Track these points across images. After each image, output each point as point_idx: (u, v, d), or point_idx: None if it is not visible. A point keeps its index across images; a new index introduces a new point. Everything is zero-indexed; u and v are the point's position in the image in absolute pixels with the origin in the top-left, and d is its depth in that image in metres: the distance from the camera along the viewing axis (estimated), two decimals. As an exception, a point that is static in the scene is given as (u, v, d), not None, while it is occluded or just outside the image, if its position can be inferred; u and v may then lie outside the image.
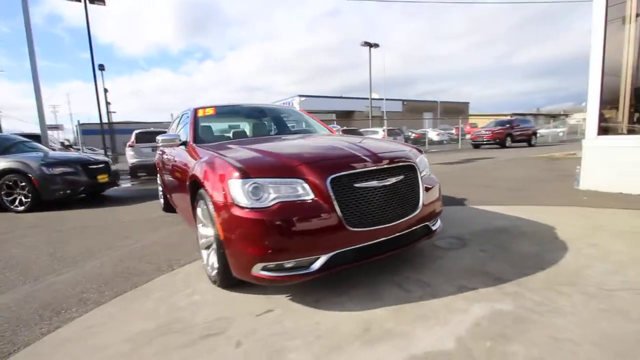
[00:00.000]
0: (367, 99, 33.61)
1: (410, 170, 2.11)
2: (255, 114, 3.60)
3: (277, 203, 1.73)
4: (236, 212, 1.75)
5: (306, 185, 1.77)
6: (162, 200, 4.75)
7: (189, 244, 3.11)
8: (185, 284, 2.26)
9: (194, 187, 2.33)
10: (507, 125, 17.15)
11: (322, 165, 1.87)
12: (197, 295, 2.09)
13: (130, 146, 9.64)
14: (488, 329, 1.54)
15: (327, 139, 2.61)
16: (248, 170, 1.81)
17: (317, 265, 1.76)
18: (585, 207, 3.63)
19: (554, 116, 39.14)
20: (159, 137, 2.94)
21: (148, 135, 9.88)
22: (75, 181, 5.45)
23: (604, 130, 4.19)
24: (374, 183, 1.90)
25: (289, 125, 3.47)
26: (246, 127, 3.42)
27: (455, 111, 43.45)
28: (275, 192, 1.76)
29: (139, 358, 1.52)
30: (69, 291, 2.28)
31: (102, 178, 5.91)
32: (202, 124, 3.08)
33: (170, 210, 4.49)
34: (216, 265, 2.04)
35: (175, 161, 3.06)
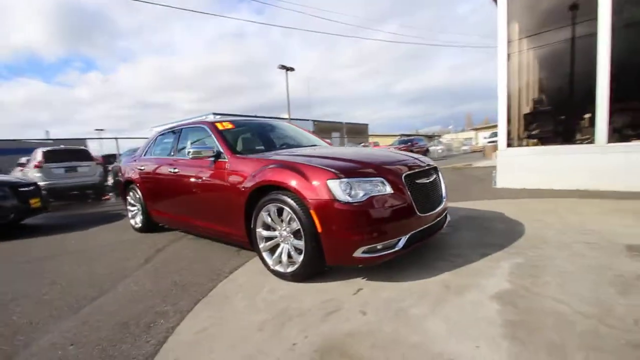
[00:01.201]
0: (282, 118, 34.61)
1: (436, 172, 2.78)
2: (266, 128, 3.83)
3: (369, 197, 2.15)
4: (338, 207, 2.09)
5: (386, 182, 2.24)
6: (135, 221, 4.39)
7: (212, 255, 3.14)
8: (257, 285, 2.40)
9: (256, 194, 2.51)
10: (409, 143, 20.46)
11: (396, 166, 2.37)
12: (280, 290, 2.29)
13: (37, 167, 8.06)
14: (520, 273, 2.25)
15: (373, 149, 3.14)
16: (342, 172, 2.18)
17: (400, 244, 2.22)
18: (508, 199, 4.93)
19: (429, 136, 46.80)
20: (191, 150, 2.95)
21: (61, 154, 8.47)
22: (3, 207, 4.50)
23: (509, 144, 5.76)
24: (425, 180, 2.50)
25: (296, 139, 3.78)
26: (257, 140, 3.60)
27: (358, 131, 48.46)
28: (364, 188, 2.17)
29: (289, 332, 1.72)
30: (136, 308, 2.17)
31: (35, 202, 4.99)
32: (228, 137, 3.18)
33: (151, 229, 4.21)
34: (300, 259, 2.29)
35: (204, 174, 3.06)
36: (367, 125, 56.96)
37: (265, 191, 2.49)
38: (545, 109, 6.23)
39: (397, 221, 2.20)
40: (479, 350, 1.50)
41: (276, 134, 3.79)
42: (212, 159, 2.99)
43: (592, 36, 4.84)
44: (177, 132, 3.80)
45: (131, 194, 4.41)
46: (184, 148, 3.53)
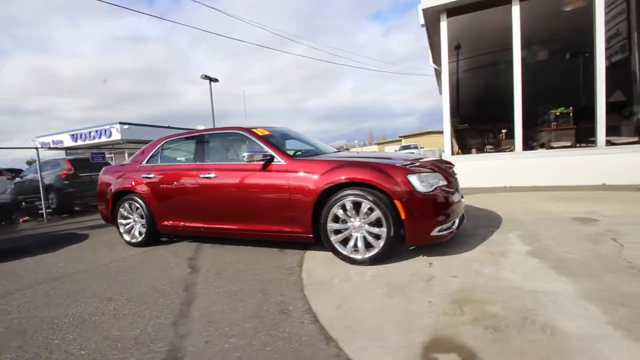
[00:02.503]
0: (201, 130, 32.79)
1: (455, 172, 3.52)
2: (290, 134, 4.04)
3: (436, 188, 2.71)
4: (418, 196, 2.59)
5: (442, 176, 2.84)
6: (132, 234, 4.04)
7: (260, 257, 3.26)
8: (341, 271, 2.70)
9: (332, 190, 2.82)
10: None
11: (443, 165, 2.99)
12: (368, 271, 2.64)
13: None
14: (528, 240, 3.09)
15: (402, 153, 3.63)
16: (416, 170, 2.70)
17: (455, 225, 2.83)
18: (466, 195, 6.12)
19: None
20: (245, 154, 3.04)
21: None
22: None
23: (452, 152, 7.10)
24: (455, 175, 3.19)
25: (313, 143, 4.09)
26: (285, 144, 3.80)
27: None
28: (432, 182, 2.72)
29: (415, 296, 2.13)
30: (250, 303, 2.25)
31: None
32: (274, 142, 3.35)
33: (151, 242, 3.95)
34: (380, 244, 2.69)
35: (255, 177, 3.16)
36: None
37: (334, 189, 2.82)
38: (473, 126, 7.89)
39: (452, 206, 2.81)
40: (551, 284, 2.18)
41: (298, 139, 4.05)
42: (263, 162, 3.15)
43: (509, 70, 6.49)
44: (200, 138, 3.72)
45: (126, 205, 4.02)
46: (218, 153, 3.52)
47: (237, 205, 3.29)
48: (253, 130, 3.47)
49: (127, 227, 4.10)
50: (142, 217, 3.96)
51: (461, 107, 9.00)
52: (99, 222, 6.51)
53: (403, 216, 2.61)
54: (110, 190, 4.14)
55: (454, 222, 2.83)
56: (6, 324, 2.22)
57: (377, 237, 2.73)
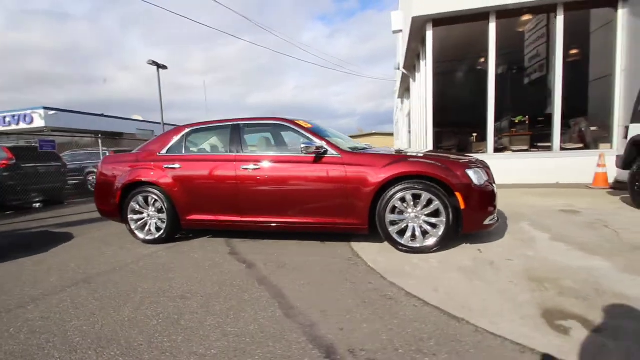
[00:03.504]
0: (137, 120, 30.40)
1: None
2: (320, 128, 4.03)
3: (485, 181, 3.01)
4: (475, 188, 2.86)
5: (485, 172, 3.16)
6: (147, 230, 3.71)
7: (311, 250, 3.27)
8: (404, 259, 2.86)
9: (392, 182, 2.95)
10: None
11: (482, 161, 3.32)
12: (431, 259, 2.84)
13: None
14: (540, 229, 3.59)
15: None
16: (472, 165, 2.97)
17: (495, 217, 3.18)
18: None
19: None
20: (303, 145, 3.01)
21: None
22: None
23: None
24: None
25: (342, 137, 4.15)
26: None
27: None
28: (482, 176, 3.01)
29: (492, 277, 2.39)
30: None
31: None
32: (322, 134, 3.34)
33: (169, 239, 3.68)
34: (439, 232, 2.91)
35: (309, 169, 3.15)
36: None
37: (393, 182, 2.97)
38: (449, 129, 8.65)
39: (495, 199, 3.16)
40: (591, 262, 2.61)
41: (332, 134, 4.08)
42: (316, 155, 3.15)
43: (474, 79, 7.27)
44: (236, 128, 3.54)
45: (140, 199, 3.65)
46: (259, 144, 3.39)
47: (286, 198, 3.24)
48: (297, 122, 3.44)
49: (140, 223, 3.72)
50: (160, 211, 3.63)
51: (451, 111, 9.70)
52: (65, 219, 5.72)
53: (462, 206, 2.86)
54: (119, 181, 3.71)
55: (495, 214, 3.17)
56: (90, 335, 1.93)
57: (433, 226, 2.95)
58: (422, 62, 8.74)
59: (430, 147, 7.63)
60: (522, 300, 2.06)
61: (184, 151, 3.69)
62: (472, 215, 2.91)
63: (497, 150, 7.63)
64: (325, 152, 3.16)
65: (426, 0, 6.87)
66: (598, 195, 5.52)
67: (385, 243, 3.28)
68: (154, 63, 21.98)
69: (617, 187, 5.89)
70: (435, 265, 2.71)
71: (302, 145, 3.09)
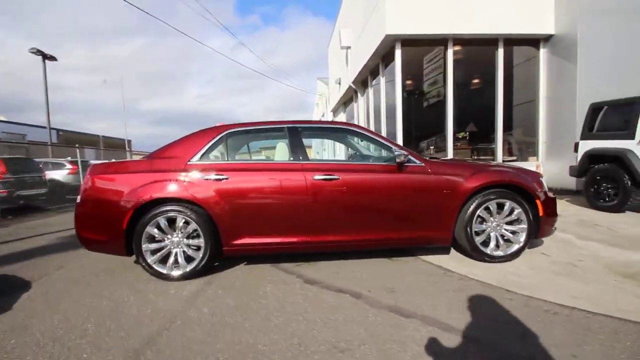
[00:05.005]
0: (40, 127, 24.15)
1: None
2: None
3: (549, 190, 3.23)
4: (549, 196, 3.04)
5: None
6: (170, 265, 2.80)
7: (385, 269, 2.99)
8: (500, 270, 2.83)
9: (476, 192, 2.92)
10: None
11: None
12: (519, 264, 2.88)
13: None
14: (559, 228, 4.08)
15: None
16: (541, 174, 3.15)
17: (555, 222, 3.43)
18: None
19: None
20: (398, 152, 2.72)
21: None
22: None
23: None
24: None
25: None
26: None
27: (119, 146, 40.56)
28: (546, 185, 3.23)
29: (579, 277, 2.56)
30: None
31: None
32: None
33: (204, 272, 2.92)
34: (522, 239, 2.97)
35: (394, 180, 2.86)
36: (130, 141, 48.89)
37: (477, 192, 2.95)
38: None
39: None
40: (631, 255, 3.04)
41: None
42: (398, 164, 2.90)
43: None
44: (294, 132, 2.97)
45: (162, 222, 2.73)
46: (328, 151, 2.91)
47: (370, 213, 2.87)
48: (366, 128, 3.12)
49: (160, 253, 2.78)
50: (191, 236, 2.79)
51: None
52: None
53: (541, 213, 3.00)
54: (128, 199, 2.70)
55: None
56: None
57: (516, 233, 3.01)
58: (381, 79, 9.21)
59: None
60: (654, 297, 2.23)
61: (227, 158, 2.93)
62: (547, 222, 3.07)
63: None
64: (409, 160, 2.94)
65: (399, 22, 7.29)
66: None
67: (452, 253, 3.23)
68: (39, 52, 17.69)
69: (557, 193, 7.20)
70: (532, 271, 2.76)
71: (396, 153, 2.80)
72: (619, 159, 4.84)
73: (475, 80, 9.79)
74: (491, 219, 3.00)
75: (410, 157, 2.95)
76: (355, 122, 12.83)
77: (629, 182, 4.71)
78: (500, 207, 2.98)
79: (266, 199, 2.81)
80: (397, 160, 2.84)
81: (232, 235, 2.80)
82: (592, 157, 5.32)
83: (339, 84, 13.78)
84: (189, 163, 2.84)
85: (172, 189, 2.73)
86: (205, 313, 2.20)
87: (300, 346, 1.78)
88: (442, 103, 8.29)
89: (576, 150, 5.67)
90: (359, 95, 11.91)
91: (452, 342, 1.77)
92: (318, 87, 28.38)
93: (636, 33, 6.19)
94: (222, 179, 2.77)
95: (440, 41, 7.85)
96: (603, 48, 6.64)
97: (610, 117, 5.20)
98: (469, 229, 2.94)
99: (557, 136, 7.66)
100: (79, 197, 2.83)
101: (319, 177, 2.82)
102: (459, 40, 7.82)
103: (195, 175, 2.78)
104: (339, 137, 3.33)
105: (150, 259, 2.76)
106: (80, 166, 10.67)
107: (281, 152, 3.13)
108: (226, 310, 2.23)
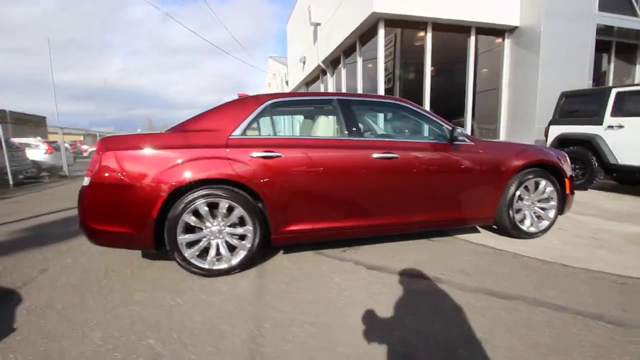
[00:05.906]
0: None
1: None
2: None
3: (567, 173, 3.44)
4: (572, 176, 3.25)
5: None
6: (211, 258, 2.37)
7: (435, 250, 2.95)
8: (534, 245, 2.96)
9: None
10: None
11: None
12: (555, 240, 3.05)
13: None
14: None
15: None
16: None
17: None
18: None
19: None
20: (459, 130, 2.59)
21: None
22: None
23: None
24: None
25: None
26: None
27: (34, 124, 34.05)
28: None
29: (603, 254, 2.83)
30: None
31: None
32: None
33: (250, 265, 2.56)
34: (551, 216, 3.14)
35: (448, 158, 2.74)
36: (44, 118, 41.71)
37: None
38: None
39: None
40: (629, 226, 3.45)
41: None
42: (453, 142, 2.82)
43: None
44: (346, 104, 2.65)
45: (202, 208, 2.27)
46: (381, 127, 2.68)
47: (427, 193, 2.74)
48: (415, 104, 2.94)
49: (198, 246, 2.32)
50: (233, 224, 2.38)
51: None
52: None
53: (568, 191, 3.19)
54: (161, 180, 2.17)
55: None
56: None
57: (543, 210, 3.17)
58: (358, 58, 9.04)
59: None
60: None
61: (273, 132, 2.52)
62: (570, 199, 3.29)
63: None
64: (462, 140, 2.86)
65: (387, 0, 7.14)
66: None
67: (483, 231, 3.31)
68: None
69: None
70: (567, 246, 2.94)
71: (458, 130, 2.68)
72: (588, 142, 5.44)
73: (446, 67, 10.19)
74: (526, 197, 3.10)
75: (463, 136, 2.88)
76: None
77: (596, 164, 5.33)
78: (536, 185, 3.10)
79: (323, 180, 2.49)
80: (457, 140, 2.74)
81: (284, 221, 2.45)
82: (562, 141, 5.90)
83: (304, 62, 13.26)
84: (230, 137, 2.38)
85: (215, 168, 2.26)
86: (290, 312, 1.88)
87: (446, 344, 1.60)
88: (419, 86, 8.47)
89: (546, 134, 6.24)
90: (327, 75, 11.61)
91: (600, 326, 1.76)
92: (270, 65, 27.16)
93: (576, 34, 6.99)
94: (275, 156, 2.38)
95: (420, 24, 7.91)
96: (560, 44, 7.35)
97: (580, 104, 5.78)
98: (510, 208, 3.00)
99: (517, 121, 8.39)
100: (87, 179, 2.19)
101: (377, 155, 2.59)
102: (437, 25, 7.97)
103: (240, 152, 2.34)
104: (386, 111, 3.10)
105: (187, 253, 2.29)
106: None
107: (324, 126, 2.80)
108: (312, 308, 1.94)
